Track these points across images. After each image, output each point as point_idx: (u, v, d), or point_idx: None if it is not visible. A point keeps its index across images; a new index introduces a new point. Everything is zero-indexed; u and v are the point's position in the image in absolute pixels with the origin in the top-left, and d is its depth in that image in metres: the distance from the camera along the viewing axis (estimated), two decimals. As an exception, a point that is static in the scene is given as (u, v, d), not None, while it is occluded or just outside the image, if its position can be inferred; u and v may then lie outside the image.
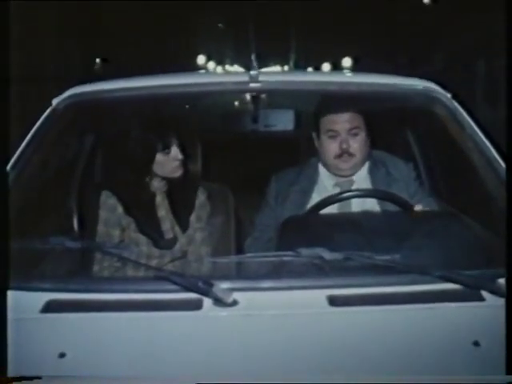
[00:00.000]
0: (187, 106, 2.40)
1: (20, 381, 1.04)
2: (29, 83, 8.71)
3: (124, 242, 1.89)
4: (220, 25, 18.48)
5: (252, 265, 1.54)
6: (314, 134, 2.07)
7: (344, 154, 1.97)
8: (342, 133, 1.97)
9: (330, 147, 1.99)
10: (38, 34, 10.96)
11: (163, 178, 1.93)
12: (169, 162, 1.90)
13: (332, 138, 1.99)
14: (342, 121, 1.98)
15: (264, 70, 1.93)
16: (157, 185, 1.94)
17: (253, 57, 1.88)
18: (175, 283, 1.28)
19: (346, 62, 16.69)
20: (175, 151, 1.90)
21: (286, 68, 17.13)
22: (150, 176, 1.92)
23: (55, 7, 11.26)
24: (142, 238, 1.90)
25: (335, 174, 2.03)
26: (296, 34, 17.07)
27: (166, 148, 1.89)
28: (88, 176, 2.31)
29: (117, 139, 2.00)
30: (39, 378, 1.05)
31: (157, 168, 1.91)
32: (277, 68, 15.95)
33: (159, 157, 1.89)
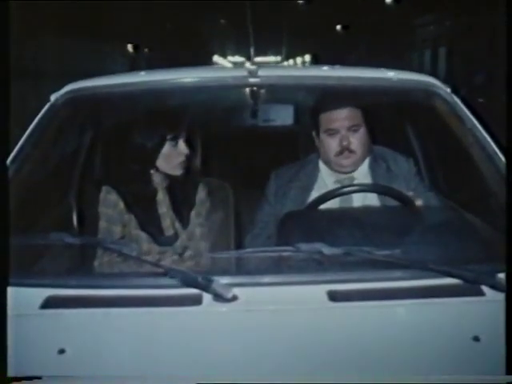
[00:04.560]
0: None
1: (20, 381, 1.04)
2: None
3: (125, 239, 1.88)
4: (222, 21, 18.65)
5: (252, 260, 1.54)
6: (313, 133, 2.06)
7: (344, 150, 1.97)
8: (342, 130, 1.97)
9: (331, 145, 1.99)
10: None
11: (165, 175, 1.92)
12: (174, 155, 1.88)
13: (332, 136, 1.98)
14: (341, 118, 1.97)
15: (259, 59, 1.93)
16: (158, 180, 1.93)
17: (252, 51, 1.87)
18: (175, 278, 1.28)
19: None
20: (182, 145, 1.88)
21: (277, 58, 17.74)
22: (154, 168, 1.90)
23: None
24: (143, 235, 1.88)
25: (336, 171, 2.03)
26: (287, 30, 17.77)
27: (175, 139, 1.87)
28: (87, 171, 2.30)
29: (119, 133, 1.98)
30: (39, 377, 1.05)
31: (161, 162, 1.88)
32: (270, 58, 16.45)
33: (167, 148, 1.87)
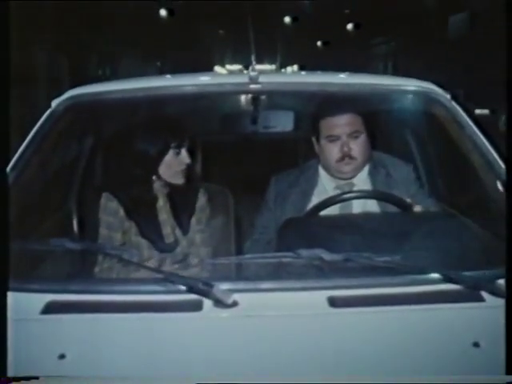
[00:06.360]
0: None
1: (19, 381, 1.04)
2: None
3: (125, 246, 1.88)
4: (221, 31, 19.04)
5: (252, 266, 1.54)
6: (313, 139, 2.06)
7: (345, 157, 1.97)
8: (343, 136, 1.97)
9: (332, 151, 1.98)
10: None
11: (166, 182, 1.92)
12: (176, 164, 1.88)
13: (333, 142, 1.98)
14: (342, 124, 1.97)
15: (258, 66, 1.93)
16: (158, 188, 1.93)
17: (252, 58, 1.88)
18: (175, 284, 1.29)
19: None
20: (184, 154, 1.88)
21: (273, 66, 18.36)
22: (156, 176, 1.90)
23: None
24: (143, 242, 1.88)
25: (336, 177, 2.03)
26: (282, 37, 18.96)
27: (178, 147, 1.87)
28: (88, 178, 2.31)
29: (120, 139, 1.98)
30: (38, 378, 1.05)
31: (163, 169, 1.89)
32: (267, 66, 16.99)
33: (169, 156, 1.87)
